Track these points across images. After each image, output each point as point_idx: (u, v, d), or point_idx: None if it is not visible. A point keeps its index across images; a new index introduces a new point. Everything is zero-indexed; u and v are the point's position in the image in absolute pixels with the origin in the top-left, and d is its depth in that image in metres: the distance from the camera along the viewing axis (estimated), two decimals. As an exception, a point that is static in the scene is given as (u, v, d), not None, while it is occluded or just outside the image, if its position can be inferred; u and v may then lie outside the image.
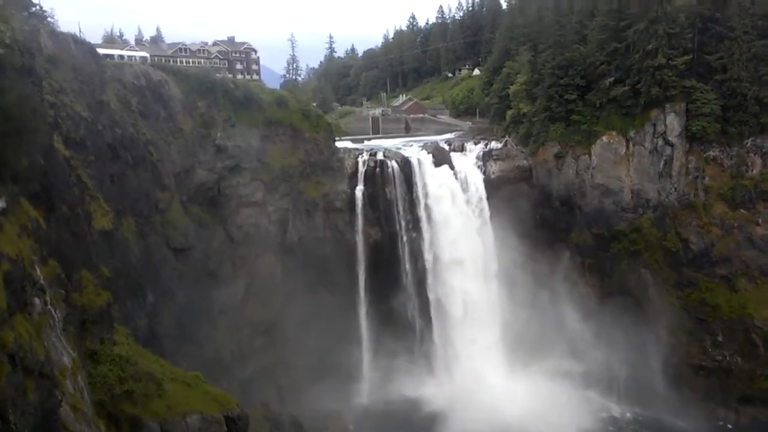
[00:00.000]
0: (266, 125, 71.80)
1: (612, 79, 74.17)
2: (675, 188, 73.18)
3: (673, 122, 72.18)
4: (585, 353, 70.69)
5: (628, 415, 69.36)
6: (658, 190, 73.24)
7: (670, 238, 72.46)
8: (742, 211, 71.65)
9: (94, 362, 28.95)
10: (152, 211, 60.33)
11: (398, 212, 73.87)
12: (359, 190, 74.30)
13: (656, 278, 72.02)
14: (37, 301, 20.98)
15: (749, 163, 72.33)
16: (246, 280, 69.30)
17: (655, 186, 73.24)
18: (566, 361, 71.41)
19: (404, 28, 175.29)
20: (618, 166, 73.99)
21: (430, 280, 74.60)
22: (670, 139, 72.43)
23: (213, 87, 69.26)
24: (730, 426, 68.31)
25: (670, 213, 73.21)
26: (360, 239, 73.97)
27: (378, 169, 74.63)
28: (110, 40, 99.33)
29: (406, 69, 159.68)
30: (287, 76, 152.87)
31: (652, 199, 73.36)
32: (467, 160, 78.57)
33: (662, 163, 73.06)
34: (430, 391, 70.45)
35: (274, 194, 71.48)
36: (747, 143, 72.20)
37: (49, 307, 22.14)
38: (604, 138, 74.24)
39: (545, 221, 77.04)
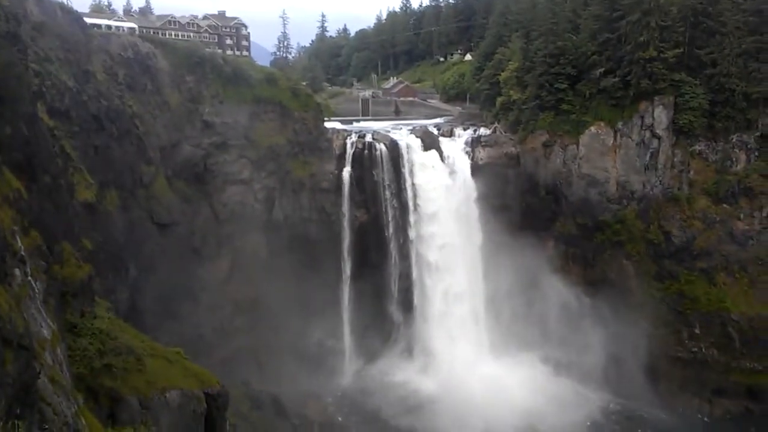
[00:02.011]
0: (255, 102, 71.29)
1: (603, 70, 74.29)
2: (660, 181, 73.84)
3: (660, 115, 72.61)
4: (566, 341, 71.11)
5: (608, 404, 69.92)
6: (644, 182, 73.76)
7: (653, 230, 73.21)
8: (724, 205, 72.45)
9: (74, 335, 28.77)
10: (136, 185, 60.00)
11: (385, 195, 73.85)
12: (347, 172, 74.13)
13: (638, 269, 72.82)
14: (17, 271, 20.69)
15: (734, 159, 72.94)
16: (230, 258, 69.28)
17: (641, 178, 73.75)
18: (547, 349, 71.95)
19: (397, 9, 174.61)
20: (605, 157, 74.35)
21: (414, 263, 74.72)
22: (657, 131, 72.92)
23: (202, 61, 68.58)
24: (705, 418, 69.16)
25: (654, 205, 73.89)
26: (346, 221, 74.01)
27: (366, 152, 74.47)
28: (98, 9, 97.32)
29: (397, 51, 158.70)
30: (278, 53, 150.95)
31: (637, 191, 73.90)
32: (456, 146, 78.57)
33: (648, 155, 73.61)
34: (412, 376, 70.99)
35: (261, 173, 71.21)
36: (732, 139, 72.78)
37: (30, 278, 21.86)
38: (593, 128, 74.52)
39: (531, 209, 77.31)
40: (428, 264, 74.04)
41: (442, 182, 74.86)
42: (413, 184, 74.24)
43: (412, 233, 73.90)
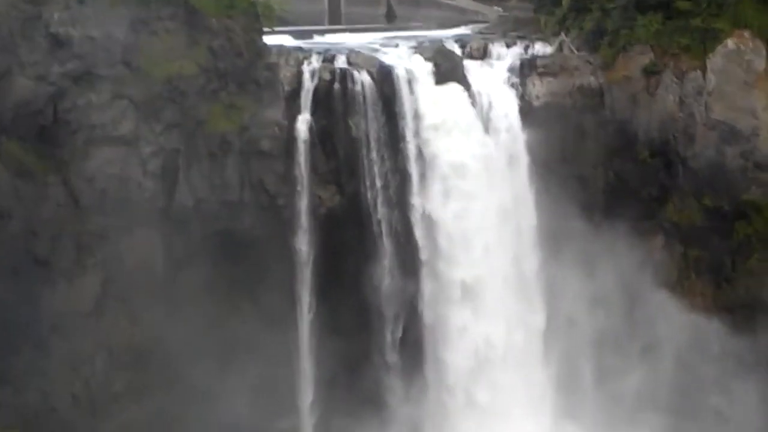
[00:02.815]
0: (141, 2, 68.01)
1: (748, -62, 72.29)
2: None
3: None
4: (688, 408, 70.37)
5: None
6: (819, 133, 71.91)
7: (835, 216, 71.62)
8: None
9: None
10: (-70, 149, 58.32)
11: (371, 161, 71.82)
12: (304, 122, 71.34)
13: (809, 285, 71.12)
14: None
15: None
16: (101, 275, 66.94)
17: (815, 127, 71.92)
18: (661, 423, 71.62)
19: None
20: (751, 92, 72.70)
21: (425, 284, 73.14)
22: (842, 44, 71.05)
23: (47, -72, 65.11)
24: None
25: (834, 173, 72.34)
26: (304, 207, 71.70)
27: (338, 86, 72.05)
28: None
29: None
30: None
31: (808, 150, 72.16)
32: (493, 75, 76.62)
33: (827, 86, 71.79)
34: None
35: (154, 125, 68.50)
36: None
37: None
38: (731, 42, 72.86)
39: (624, 182, 75.95)
40: (448, 282, 72.37)
41: (471, 137, 72.87)
42: (421, 142, 72.32)
43: (418, 225, 72.51)
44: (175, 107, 69.36)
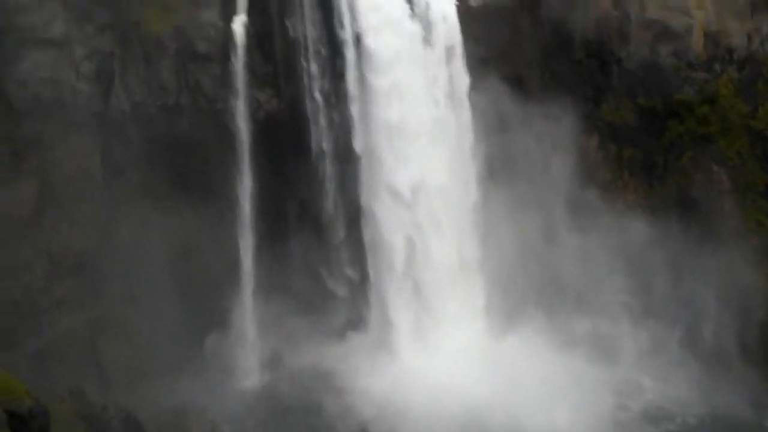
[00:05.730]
0: None
1: None
2: (776, 31, 74.45)
3: None
4: (615, 304, 72.65)
5: (678, 405, 70.42)
6: (750, 32, 73.85)
7: (763, 114, 73.70)
8: None
9: None
10: None
11: (309, 63, 72.75)
12: (240, 23, 72.24)
13: (737, 181, 73.70)
14: None
15: None
16: (38, 181, 68.22)
17: (745, 26, 73.79)
18: (584, 318, 73.35)
19: None
20: None
21: (363, 185, 74.88)
22: (775, -62, 73.28)
23: None
24: None
25: (765, 72, 74.18)
26: (242, 110, 72.95)
27: None
28: None
29: None
30: None
31: (739, 49, 74.00)
32: None
33: (760, -16, 74.04)
34: (359, 367, 72.32)
35: (86, 26, 69.43)
36: None
37: None
38: (665, -68, 74.50)
39: (561, 82, 77.09)
40: (386, 184, 74.06)
41: (409, 38, 73.62)
42: (358, 43, 72.83)
43: (356, 128, 73.46)
44: (108, 8, 69.69)
